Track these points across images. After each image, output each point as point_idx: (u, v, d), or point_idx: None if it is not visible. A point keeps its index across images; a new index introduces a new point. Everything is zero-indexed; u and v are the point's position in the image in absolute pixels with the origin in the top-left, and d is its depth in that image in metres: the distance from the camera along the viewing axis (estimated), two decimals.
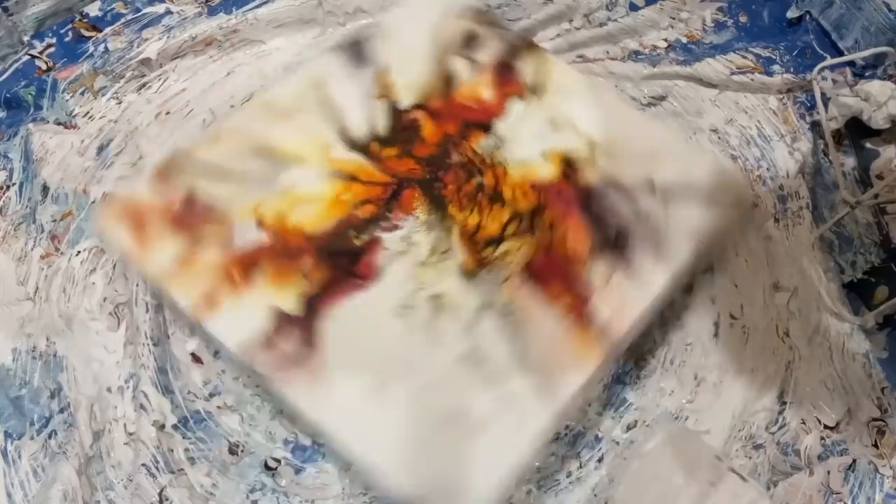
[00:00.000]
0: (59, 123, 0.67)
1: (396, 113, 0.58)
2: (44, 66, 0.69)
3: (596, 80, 0.69)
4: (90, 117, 0.68)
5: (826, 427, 0.53)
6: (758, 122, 0.67)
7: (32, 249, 0.61)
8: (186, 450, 0.52)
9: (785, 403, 0.54)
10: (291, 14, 0.72)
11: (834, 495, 0.50)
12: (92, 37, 0.71)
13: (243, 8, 0.72)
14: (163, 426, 0.53)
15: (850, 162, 0.64)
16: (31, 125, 0.66)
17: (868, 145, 0.65)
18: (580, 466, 0.52)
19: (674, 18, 0.73)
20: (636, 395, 0.54)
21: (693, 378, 0.55)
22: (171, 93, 0.69)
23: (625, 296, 0.50)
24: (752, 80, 0.68)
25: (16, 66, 0.69)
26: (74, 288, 0.59)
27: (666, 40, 0.72)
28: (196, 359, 0.55)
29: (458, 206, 0.54)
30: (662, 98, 0.68)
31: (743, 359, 0.55)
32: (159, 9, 0.72)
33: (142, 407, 0.54)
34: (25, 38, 0.71)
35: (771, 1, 0.74)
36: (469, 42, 0.60)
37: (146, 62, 0.70)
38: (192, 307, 0.49)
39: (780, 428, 0.53)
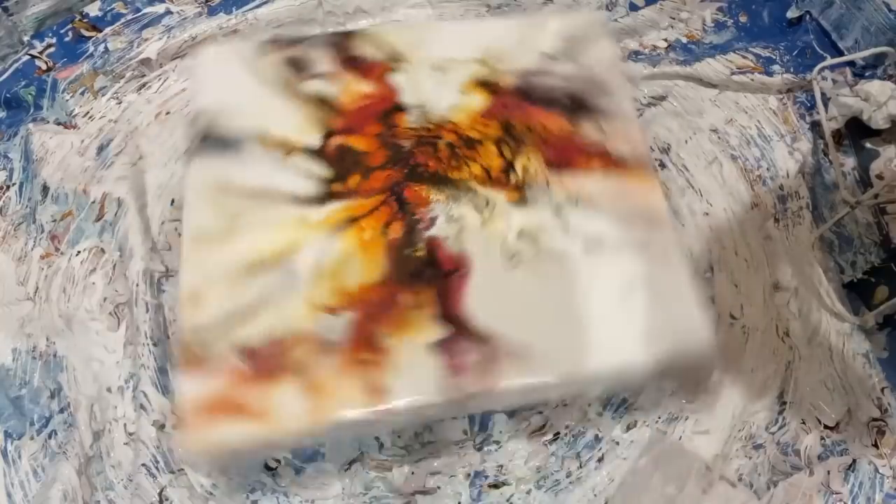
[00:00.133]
0: (59, 123, 0.67)
1: (317, 153, 0.54)
2: (44, 66, 0.70)
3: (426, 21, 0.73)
4: (90, 117, 0.68)
5: (826, 427, 0.53)
6: (758, 122, 0.67)
7: (32, 249, 0.61)
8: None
9: (785, 403, 0.54)
10: (291, 14, 0.72)
11: (834, 495, 0.50)
12: (92, 37, 0.71)
13: (243, 8, 0.72)
14: (163, 426, 0.53)
15: (850, 162, 0.65)
16: (31, 125, 0.66)
17: (868, 145, 0.65)
18: (580, 466, 0.52)
19: (674, 18, 0.73)
20: (636, 396, 0.54)
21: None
22: (171, 93, 0.69)
23: (620, 129, 0.56)
24: (752, 80, 0.68)
25: (16, 66, 0.69)
26: (74, 288, 0.59)
27: (666, 40, 0.72)
28: None
29: (453, 169, 0.54)
30: (662, 98, 0.68)
31: (743, 359, 0.55)
32: (159, 9, 0.72)
33: (142, 407, 0.54)
34: (25, 38, 0.71)
35: (771, 1, 0.74)
36: (298, 66, 0.58)
37: (146, 62, 0.70)
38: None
39: (780, 428, 0.53)
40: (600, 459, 0.52)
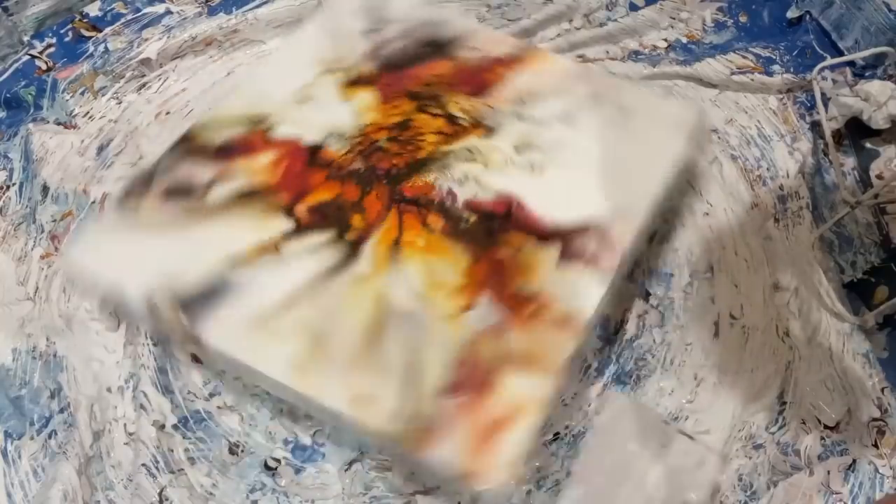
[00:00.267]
0: (59, 123, 0.67)
1: (299, 229, 0.53)
2: (44, 66, 0.70)
3: None
4: (90, 117, 0.68)
5: (826, 427, 0.53)
6: (758, 122, 0.67)
7: (32, 249, 0.61)
8: (186, 450, 0.52)
9: (785, 403, 0.54)
10: (291, 14, 0.72)
11: (834, 495, 0.50)
12: (92, 37, 0.71)
13: (243, 8, 0.72)
14: (163, 426, 0.53)
15: (850, 162, 0.65)
16: (31, 125, 0.66)
17: (868, 145, 0.65)
18: None
19: (674, 18, 0.73)
20: (636, 396, 0.54)
21: (693, 378, 0.55)
22: (171, 93, 0.69)
23: (486, 39, 0.62)
24: (752, 80, 0.68)
25: (16, 66, 0.69)
26: (74, 288, 0.59)
27: (666, 40, 0.72)
28: (196, 359, 0.55)
29: (417, 150, 0.55)
30: None
31: (743, 359, 0.55)
32: (159, 9, 0.72)
33: (142, 407, 0.54)
34: (25, 38, 0.71)
35: (771, 1, 0.74)
36: (182, 192, 0.54)
37: (146, 62, 0.70)
38: None
39: (780, 428, 0.53)
40: None
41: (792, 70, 0.69)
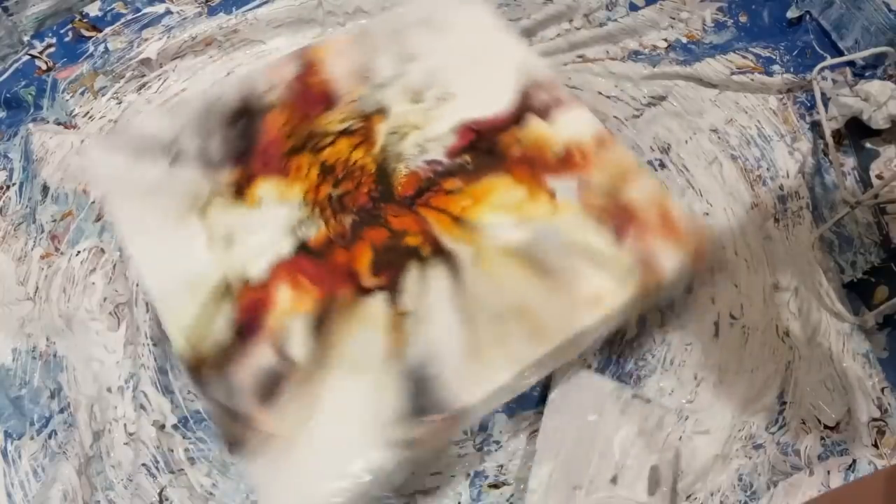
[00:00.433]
0: (59, 123, 0.67)
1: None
2: (44, 66, 0.70)
3: None
4: (90, 117, 0.68)
5: (826, 427, 0.53)
6: (758, 122, 0.67)
7: (32, 249, 0.61)
8: (186, 450, 0.52)
9: (785, 403, 0.54)
10: (291, 14, 0.72)
11: None
12: (92, 37, 0.71)
13: (243, 8, 0.72)
14: (163, 426, 0.53)
15: (850, 162, 0.65)
16: (31, 125, 0.66)
17: (868, 145, 0.65)
18: None
19: (674, 18, 0.73)
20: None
21: (693, 378, 0.55)
22: (171, 93, 0.69)
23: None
24: (752, 80, 0.68)
25: (16, 66, 0.69)
26: (74, 288, 0.59)
27: (666, 40, 0.72)
28: None
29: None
30: (662, 98, 0.68)
31: (743, 359, 0.55)
32: (159, 9, 0.72)
33: (142, 407, 0.54)
34: (25, 38, 0.71)
35: (771, 1, 0.74)
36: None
37: (146, 62, 0.70)
38: None
39: (780, 428, 0.53)
40: None
41: (792, 70, 0.69)
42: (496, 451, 0.52)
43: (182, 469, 0.52)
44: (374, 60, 0.60)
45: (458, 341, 0.47)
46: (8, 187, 0.64)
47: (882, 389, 0.54)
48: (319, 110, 0.57)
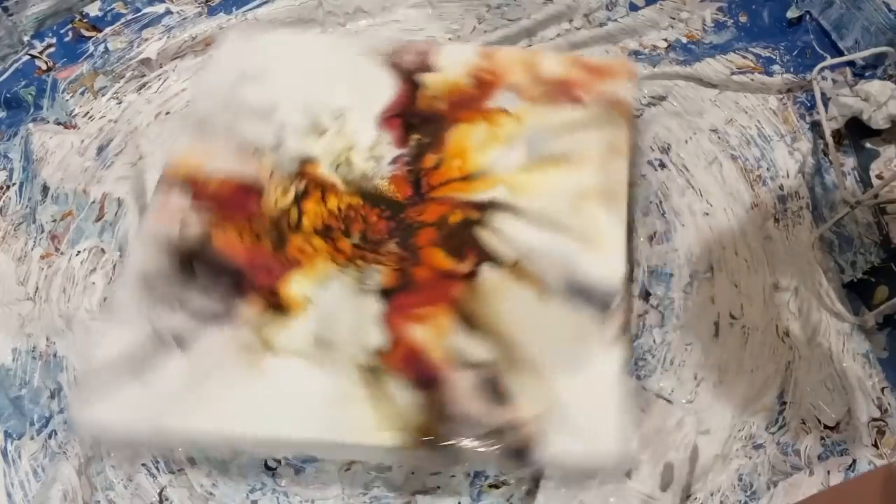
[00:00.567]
0: (59, 123, 0.67)
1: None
2: (44, 66, 0.70)
3: None
4: (90, 117, 0.68)
5: (826, 427, 0.53)
6: (758, 122, 0.67)
7: (32, 249, 0.61)
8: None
9: (785, 403, 0.54)
10: (291, 14, 0.72)
11: None
12: (92, 37, 0.71)
13: (243, 8, 0.72)
14: None
15: (850, 162, 0.64)
16: (31, 125, 0.66)
17: (868, 145, 0.65)
18: None
19: (674, 18, 0.73)
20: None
21: (693, 378, 0.55)
22: (171, 93, 0.69)
23: None
24: (752, 80, 0.68)
25: (16, 66, 0.69)
26: (74, 288, 0.59)
27: (666, 40, 0.72)
28: None
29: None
30: (662, 98, 0.68)
31: (743, 359, 0.55)
32: (159, 9, 0.72)
33: None
34: (25, 38, 0.71)
35: (771, 1, 0.74)
36: None
37: (146, 62, 0.70)
38: None
39: (780, 428, 0.53)
40: None
41: (792, 70, 0.69)
42: None
43: (182, 469, 0.52)
44: (244, 135, 0.57)
45: None
46: (8, 187, 0.64)
47: (882, 389, 0.54)
48: (256, 203, 0.54)
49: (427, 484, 0.51)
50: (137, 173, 0.64)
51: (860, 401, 0.54)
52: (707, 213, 0.62)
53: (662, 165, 0.64)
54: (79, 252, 0.60)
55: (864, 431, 0.52)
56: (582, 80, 0.60)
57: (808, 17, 0.72)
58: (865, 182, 0.63)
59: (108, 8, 0.73)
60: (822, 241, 0.60)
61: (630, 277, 0.58)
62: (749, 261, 0.59)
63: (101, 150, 0.66)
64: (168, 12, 0.72)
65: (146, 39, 0.71)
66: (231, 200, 0.54)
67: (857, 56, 0.67)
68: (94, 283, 0.59)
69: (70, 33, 0.71)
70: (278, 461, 0.52)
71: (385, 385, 0.47)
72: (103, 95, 0.69)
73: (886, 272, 0.57)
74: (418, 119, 0.58)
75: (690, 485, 0.50)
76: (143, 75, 0.70)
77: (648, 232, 0.61)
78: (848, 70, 0.68)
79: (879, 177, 0.63)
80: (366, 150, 0.57)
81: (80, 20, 0.72)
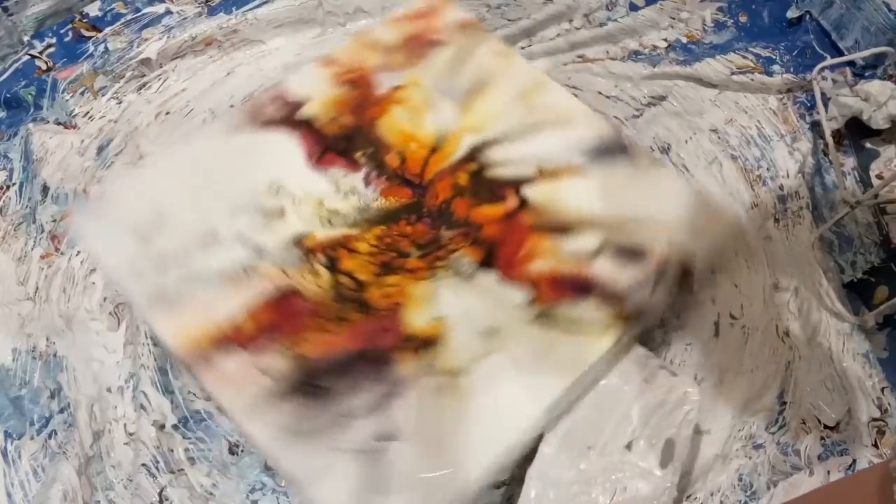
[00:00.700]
0: (59, 123, 0.67)
1: (516, 183, 0.56)
2: (44, 66, 0.70)
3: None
4: (90, 117, 0.68)
5: (826, 427, 0.53)
6: (758, 122, 0.67)
7: (32, 249, 0.61)
8: (186, 450, 0.52)
9: (785, 403, 0.54)
10: (291, 14, 0.72)
11: None
12: (92, 37, 0.71)
13: (243, 8, 0.72)
14: (163, 426, 0.53)
15: (850, 162, 0.64)
16: (31, 125, 0.66)
17: (868, 145, 0.65)
18: None
19: (674, 18, 0.73)
20: None
21: (693, 378, 0.55)
22: (171, 93, 0.69)
23: None
24: (752, 80, 0.68)
25: (16, 66, 0.69)
26: (74, 288, 0.59)
27: (666, 40, 0.72)
28: None
29: (380, 235, 0.54)
30: (662, 98, 0.68)
31: (743, 359, 0.55)
32: (159, 9, 0.72)
33: (142, 407, 0.54)
34: (25, 38, 0.71)
35: (771, 1, 0.74)
36: (632, 252, 0.54)
37: (146, 62, 0.70)
38: None
39: (780, 428, 0.53)
40: None
41: (792, 70, 0.69)
42: None
43: (182, 469, 0.52)
44: (214, 272, 0.52)
45: None
46: (8, 187, 0.64)
47: (882, 389, 0.54)
48: (300, 302, 0.51)
49: None
50: None
51: (860, 401, 0.54)
52: None
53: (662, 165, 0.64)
54: (79, 252, 0.60)
55: (864, 431, 0.52)
56: (422, 28, 0.63)
57: (808, 17, 0.72)
58: (865, 182, 0.63)
59: (108, 8, 0.73)
60: (822, 241, 0.60)
61: None
62: (749, 261, 0.59)
63: (101, 150, 0.66)
64: (168, 12, 0.72)
65: (146, 39, 0.71)
66: (278, 322, 0.50)
67: (857, 56, 0.67)
68: (94, 283, 0.59)
69: (70, 33, 0.71)
70: None
71: (566, 316, 0.50)
72: (103, 95, 0.69)
73: (886, 272, 0.57)
74: (343, 141, 0.57)
75: (691, 472, 0.50)
76: (143, 75, 0.70)
77: None
78: (848, 70, 0.68)
79: (879, 177, 0.63)
80: (333, 194, 0.55)
81: (80, 20, 0.72)
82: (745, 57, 0.69)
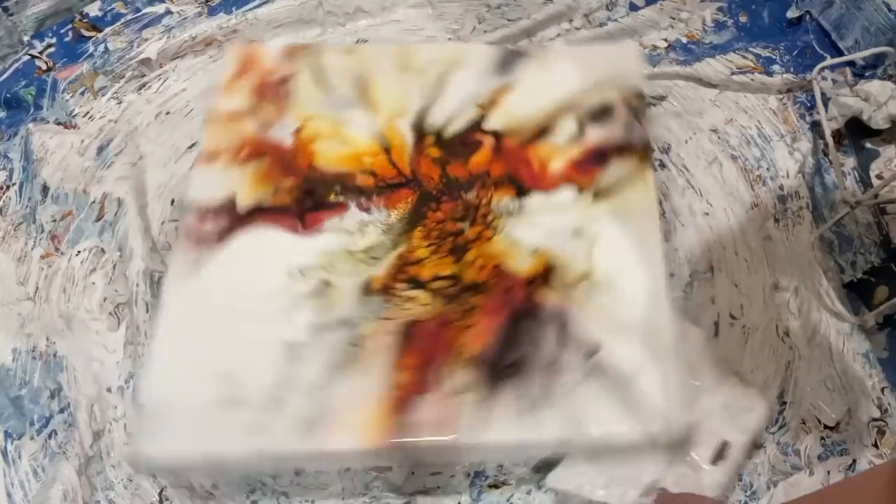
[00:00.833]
0: (59, 123, 0.67)
1: (475, 125, 0.58)
2: (44, 66, 0.70)
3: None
4: (90, 117, 0.68)
5: (826, 427, 0.53)
6: (758, 122, 0.67)
7: (32, 249, 0.61)
8: None
9: (785, 403, 0.54)
10: (291, 14, 0.72)
11: None
12: (92, 37, 0.71)
13: (243, 8, 0.72)
14: None
15: (850, 162, 0.64)
16: (31, 125, 0.66)
17: (868, 145, 0.65)
18: None
19: (674, 18, 0.73)
20: None
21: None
22: (171, 93, 0.69)
23: None
24: (752, 80, 0.68)
25: (16, 66, 0.69)
26: (74, 288, 0.59)
27: (666, 40, 0.72)
28: None
29: (424, 235, 0.53)
30: (662, 98, 0.68)
31: (743, 359, 0.55)
32: (159, 9, 0.72)
33: None
34: (25, 38, 0.71)
35: (771, 1, 0.74)
36: (601, 112, 0.58)
37: (146, 62, 0.70)
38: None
39: (780, 428, 0.53)
40: None
41: (792, 70, 0.69)
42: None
43: None
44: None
45: None
46: (8, 187, 0.64)
47: (882, 389, 0.54)
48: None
49: (427, 484, 0.51)
50: (137, 173, 0.64)
51: (860, 401, 0.54)
52: (707, 213, 0.62)
53: (662, 165, 0.64)
54: (79, 252, 0.60)
55: (864, 431, 0.52)
56: (259, 76, 0.61)
57: (808, 17, 0.72)
58: (865, 182, 0.63)
59: (108, 8, 0.73)
60: (822, 241, 0.60)
61: None
62: (749, 261, 0.59)
63: (101, 150, 0.66)
64: (168, 12, 0.72)
65: (146, 39, 0.71)
66: (425, 351, 0.49)
67: (857, 56, 0.67)
68: (94, 283, 0.59)
69: (70, 33, 0.71)
70: None
71: (608, 185, 0.55)
72: (103, 95, 0.69)
73: (886, 272, 0.57)
74: (307, 198, 0.55)
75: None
76: (143, 75, 0.70)
77: None
78: (848, 70, 0.68)
79: (879, 177, 0.63)
80: (350, 237, 0.53)
81: (80, 20, 0.72)
82: (745, 57, 0.69)
